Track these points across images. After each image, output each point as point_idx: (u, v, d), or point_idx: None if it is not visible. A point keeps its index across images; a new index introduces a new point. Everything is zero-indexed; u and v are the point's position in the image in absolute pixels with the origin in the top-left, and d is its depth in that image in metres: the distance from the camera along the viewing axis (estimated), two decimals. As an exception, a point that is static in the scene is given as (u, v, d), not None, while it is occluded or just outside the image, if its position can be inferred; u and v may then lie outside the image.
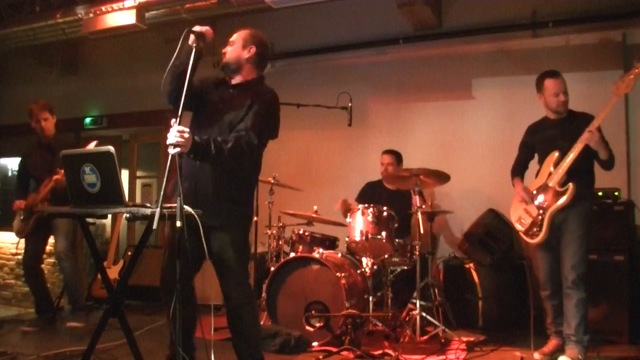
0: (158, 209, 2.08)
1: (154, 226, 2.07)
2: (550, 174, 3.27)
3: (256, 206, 3.79)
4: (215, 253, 2.57)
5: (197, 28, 2.49)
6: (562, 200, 3.17)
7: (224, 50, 2.67)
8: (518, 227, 3.42)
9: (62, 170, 3.73)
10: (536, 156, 3.52)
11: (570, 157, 3.16)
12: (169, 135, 2.23)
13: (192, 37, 2.48)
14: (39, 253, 4.31)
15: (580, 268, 3.15)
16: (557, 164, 3.25)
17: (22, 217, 4.17)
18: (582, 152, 3.13)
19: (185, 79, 2.36)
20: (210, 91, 2.69)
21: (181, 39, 2.46)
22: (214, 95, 2.68)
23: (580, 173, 3.20)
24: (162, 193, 2.13)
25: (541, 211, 3.27)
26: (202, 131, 2.53)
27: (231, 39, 2.70)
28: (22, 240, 4.26)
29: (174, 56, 2.48)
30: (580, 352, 3.09)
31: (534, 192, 3.35)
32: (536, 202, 3.31)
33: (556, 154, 3.26)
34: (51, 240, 4.36)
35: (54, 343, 3.62)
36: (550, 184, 3.24)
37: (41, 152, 4.23)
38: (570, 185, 3.16)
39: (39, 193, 4.10)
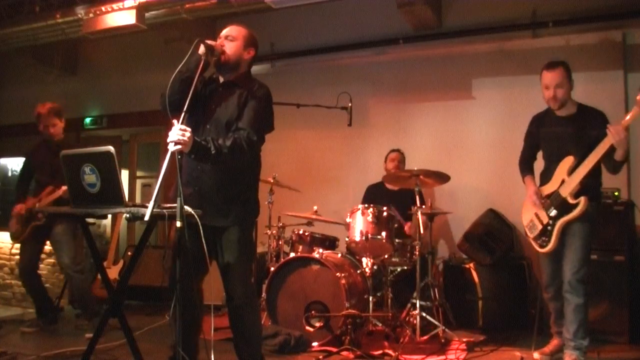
0: (152, 203, 2.08)
1: (146, 218, 2.07)
2: (563, 181, 3.16)
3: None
4: (220, 253, 2.58)
5: (209, 41, 2.50)
6: (574, 213, 3.09)
7: (221, 44, 2.62)
8: (528, 232, 3.36)
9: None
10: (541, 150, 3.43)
11: (587, 168, 3.05)
12: (170, 133, 2.24)
13: (202, 47, 2.48)
14: (36, 258, 4.19)
15: (580, 272, 3.08)
16: (571, 172, 3.13)
17: (19, 221, 4.06)
18: (599, 159, 3.03)
19: (188, 88, 2.37)
20: (200, 91, 2.66)
21: (192, 48, 2.46)
22: (204, 94, 2.67)
23: (591, 179, 3.11)
24: (157, 189, 2.13)
25: (551, 221, 3.20)
26: (197, 130, 2.52)
27: (228, 34, 2.66)
28: (16, 245, 4.19)
29: (182, 64, 2.45)
30: (579, 357, 3.06)
31: (545, 197, 3.26)
32: (547, 210, 3.23)
33: (571, 160, 3.14)
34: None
35: (54, 343, 3.62)
36: (562, 194, 3.15)
37: (47, 154, 4.07)
38: (583, 199, 3.06)
39: (39, 198, 4.00)
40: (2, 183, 7.36)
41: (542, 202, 3.26)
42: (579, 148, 3.14)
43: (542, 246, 3.26)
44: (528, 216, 3.36)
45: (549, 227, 3.20)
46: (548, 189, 3.28)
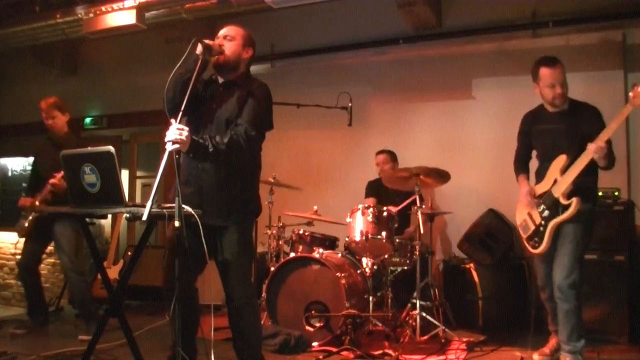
0: (149, 203, 2.08)
1: (143, 218, 2.07)
2: (556, 180, 3.13)
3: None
4: (220, 252, 2.58)
5: (206, 41, 2.50)
6: (566, 214, 3.06)
7: (219, 43, 2.62)
8: (521, 232, 3.34)
9: (60, 174, 3.71)
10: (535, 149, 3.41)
11: (577, 170, 3.02)
12: (168, 132, 2.24)
13: (200, 47, 2.48)
14: (37, 255, 4.19)
15: (571, 277, 3.03)
16: (564, 171, 3.10)
17: (24, 217, 4.09)
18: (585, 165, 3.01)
19: (187, 87, 2.37)
20: (200, 92, 2.67)
21: (189, 48, 2.45)
22: (205, 95, 2.67)
23: (584, 179, 3.07)
24: (154, 188, 2.13)
25: (543, 222, 3.17)
26: (199, 131, 2.53)
27: (226, 34, 2.66)
28: (22, 241, 4.18)
29: (180, 64, 2.45)
30: (574, 359, 3.04)
31: (538, 197, 3.24)
32: (540, 210, 3.20)
33: (564, 159, 3.11)
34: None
35: (54, 343, 3.62)
36: (555, 195, 3.11)
37: (51, 150, 4.01)
38: (575, 200, 3.02)
39: (42, 193, 4.00)
40: (2, 183, 7.36)
41: (534, 202, 3.24)
42: (571, 145, 3.11)
43: (534, 247, 3.23)
44: (521, 216, 3.34)
45: (542, 228, 3.18)
46: (541, 188, 3.25)
